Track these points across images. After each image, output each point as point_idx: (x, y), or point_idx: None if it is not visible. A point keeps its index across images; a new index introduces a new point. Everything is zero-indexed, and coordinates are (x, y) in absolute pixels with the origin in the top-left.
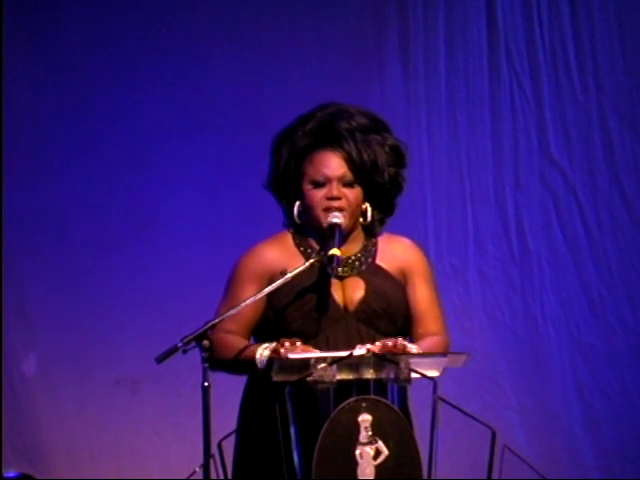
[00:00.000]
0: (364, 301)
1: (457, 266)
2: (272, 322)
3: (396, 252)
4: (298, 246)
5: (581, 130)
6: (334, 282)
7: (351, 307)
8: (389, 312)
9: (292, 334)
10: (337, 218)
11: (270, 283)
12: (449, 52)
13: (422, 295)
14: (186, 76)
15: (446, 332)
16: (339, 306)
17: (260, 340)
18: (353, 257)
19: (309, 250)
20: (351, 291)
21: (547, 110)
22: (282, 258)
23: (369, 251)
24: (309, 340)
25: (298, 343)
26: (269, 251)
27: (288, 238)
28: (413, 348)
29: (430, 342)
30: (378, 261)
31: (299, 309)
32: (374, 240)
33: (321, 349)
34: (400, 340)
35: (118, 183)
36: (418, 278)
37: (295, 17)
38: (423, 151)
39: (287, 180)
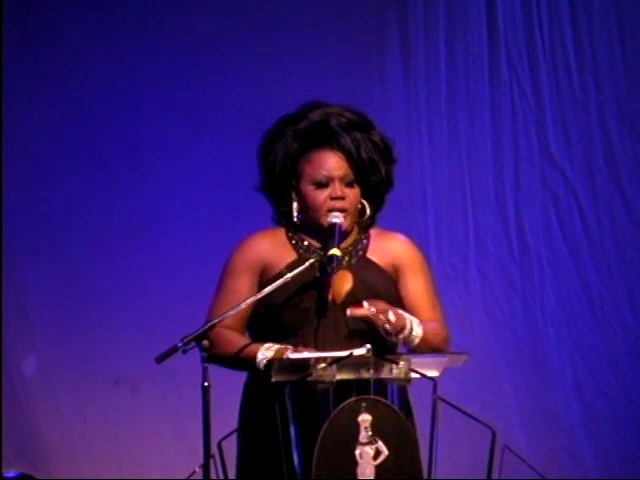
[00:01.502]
0: (352, 293)
1: (457, 266)
2: (262, 316)
3: (388, 247)
4: (290, 239)
5: (581, 130)
6: (332, 276)
7: (339, 299)
8: None
9: (282, 328)
10: (337, 218)
11: (262, 274)
12: (449, 52)
13: (415, 287)
14: (186, 76)
15: (445, 323)
16: (327, 298)
17: (252, 334)
18: (344, 251)
19: (300, 243)
20: (340, 284)
21: (547, 110)
22: (273, 249)
23: (360, 245)
24: (298, 333)
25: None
26: (260, 241)
27: (281, 231)
28: (415, 322)
29: (430, 326)
30: (369, 255)
31: (288, 303)
32: (366, 234)
33: (310, 342)
34: (396, 311)
35: (118, 183)
36: (410, 272)
37: (295, 17)
38: (423, 151)
39: (283, 181)
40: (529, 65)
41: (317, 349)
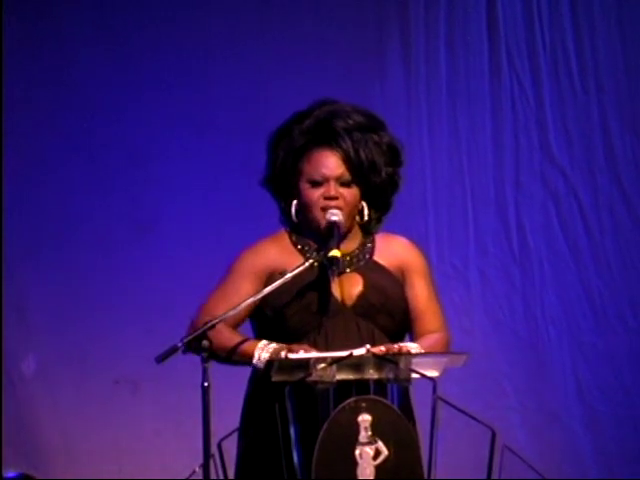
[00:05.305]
0: (362, 296)
1: (458, 266)
2: (271, 319)
3: (394, 250)
4: (295, 244)
5: (582, 130)
6: (332, 278)
7: (349, 302)
8: (387, 306)
9: (291, 330)
10: (336, 216)
11: (267, 281)
12: (450, 52)
13: (421, 293)
14: (187, 76)
15: (446, 328)
16: (337, 301)
17: (259, 336)
18: (351, 254)
19: (306, 248)
20: (349, 286)
21: (547, 110)
22: (281, 257)
23: (367, 248)
24: (308, 335)
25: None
26: (270, 249)
27: (285, 237)
28: (413, 348)
29: (431, 340)
30: (376, 258)
31: (297, 305)
32: (371, 237)
33: (320, 344)
34: (405, 347)
35: (118, 183)
36: (416, 276)
37: (296, 17)
38: (424, 151)
39: (284, 178)
40: (529, 65)
41: (328, 352)
